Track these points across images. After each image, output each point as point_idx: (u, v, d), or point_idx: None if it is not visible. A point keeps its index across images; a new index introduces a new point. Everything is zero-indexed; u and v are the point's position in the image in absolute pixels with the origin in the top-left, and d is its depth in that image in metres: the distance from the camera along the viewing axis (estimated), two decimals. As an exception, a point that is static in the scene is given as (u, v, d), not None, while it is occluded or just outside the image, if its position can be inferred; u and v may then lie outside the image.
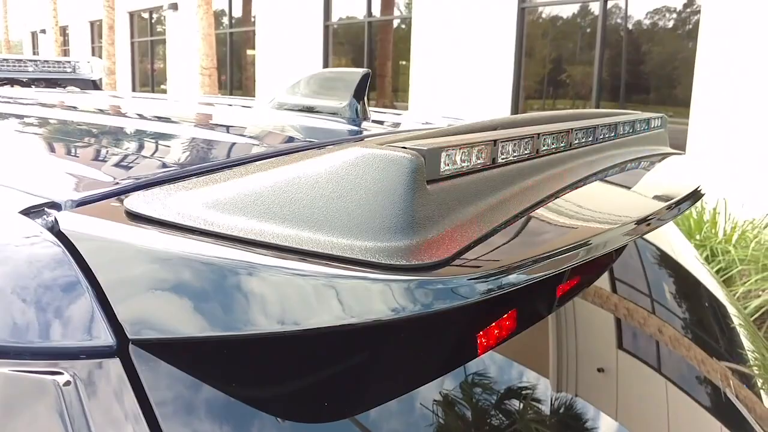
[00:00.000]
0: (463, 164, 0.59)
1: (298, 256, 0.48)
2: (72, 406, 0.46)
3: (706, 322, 1.15)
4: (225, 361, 0.51)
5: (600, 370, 0.81)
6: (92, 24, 21.78)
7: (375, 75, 11.96)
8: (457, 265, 0.50)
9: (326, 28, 12.38)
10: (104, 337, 0.48)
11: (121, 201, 0.58)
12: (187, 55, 15.06)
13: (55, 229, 0.53)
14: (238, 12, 15.35)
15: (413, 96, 10.43)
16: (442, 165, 0.56)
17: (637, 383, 0.84)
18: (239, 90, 15.36)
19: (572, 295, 0.81)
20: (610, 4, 8.18)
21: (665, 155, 1.17)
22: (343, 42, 12.67)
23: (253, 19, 14.23)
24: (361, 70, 1.26)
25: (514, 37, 9.00)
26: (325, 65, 12.38)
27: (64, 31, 23.94)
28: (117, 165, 0.80)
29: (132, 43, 19.77)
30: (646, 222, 0.78)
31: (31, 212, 0.56)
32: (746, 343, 1.17)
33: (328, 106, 1.28)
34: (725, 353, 1.10)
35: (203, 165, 0.72)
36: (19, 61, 2.00)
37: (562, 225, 0.69)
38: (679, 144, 7.09)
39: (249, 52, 14.52)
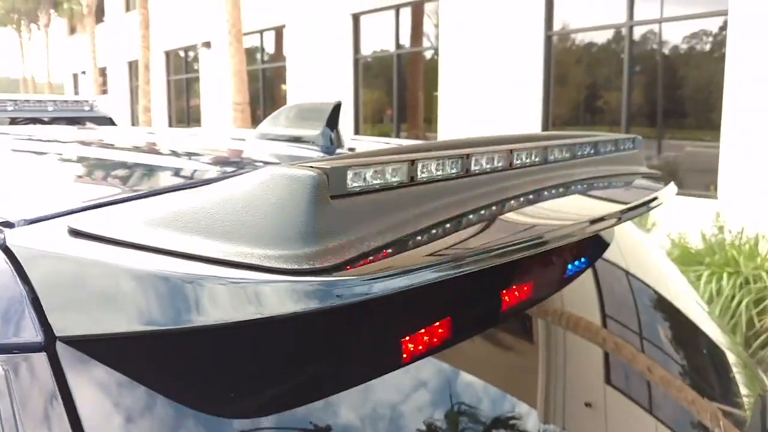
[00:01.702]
0: (375, 182, 0.63)
1: (210, 264, 0.54)
2: (2, 395, 0.52)
3: (694, 356, 1.14)
4: (143, 356, 0.57)
5: (587, 404, 0.84)
6: (130, 64, 22.43)
7: (405, 106, 12.06)
8: (346, 270, 0.54)
9: (356, 61, 12.56)
10: (34, 334, 0.54)
11: (67, 220, 0.65)
12: (221, 92, 15.38)
13: (2, 245, 0.61)
14: (270, 48, 15.67)
15: (442, 126, 10.48)
16: (349, 182, 0.60)
17: (623, 420, 0.87)
18: (272, 124, 15.56)
19: (521, 310, 0.83)
20: (637, 30, 8.16)
21: (629, 174, 1.17)
22: (373, 74, 12.82)
23: (285, 55, 14.51)
24: (333, 102, 1.35)
25: (541, 64, 9.02)
26: (356, 98, 12.54)
27: (103, 71, 24.69)
28: (72, 189, 0.91)
29: (168, 81, 20.29)
30: (561, 236, 0.77)
31: None
32: (734, 369, 1.17)
33: (303, 135, 1.37)
34: (705, 385, 1.10)
35: (144, 190, 0.81)
36: (40, 101, 2.07)
37: (468, 238, 0.72)
38: (712, 168, 6.99)
39: (282, 87, 14.78)
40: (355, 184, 0.60)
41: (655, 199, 1.01)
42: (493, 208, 0.80)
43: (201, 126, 17.81)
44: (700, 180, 7.32)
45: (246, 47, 12.41)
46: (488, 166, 0.80)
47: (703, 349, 1.18)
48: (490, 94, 9.65)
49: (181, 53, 19.76)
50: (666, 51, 8.07)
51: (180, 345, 0.57)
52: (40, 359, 0.53)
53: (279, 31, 14.79)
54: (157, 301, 0.54)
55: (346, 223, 0.58)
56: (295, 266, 0.52)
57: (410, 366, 0.67)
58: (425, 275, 0.58)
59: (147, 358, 0.57)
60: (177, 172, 1.06)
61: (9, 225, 0.65)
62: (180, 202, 0.60)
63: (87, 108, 2.06)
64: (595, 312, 0.98)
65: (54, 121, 2.05)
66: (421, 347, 0.67)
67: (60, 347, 0.54)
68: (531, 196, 0.88)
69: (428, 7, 11.25)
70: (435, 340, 0.69)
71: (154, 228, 0.58)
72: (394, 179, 0.65)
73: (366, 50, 12.66)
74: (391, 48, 12.01)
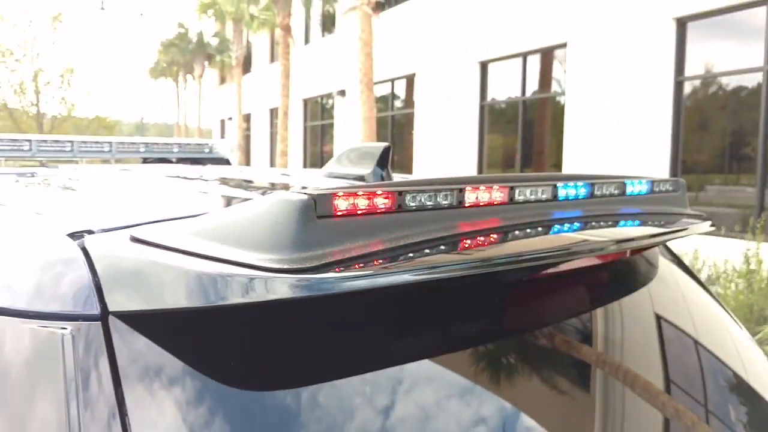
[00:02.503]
0: (363, 207, 0.76)
1: (228, 264, 0.70)
2: (67, 351, 0.70)
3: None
4: (176, 331, 0.73)
5: None
6: (271, 111, 23.91)
7: (531, 151, 12.05)
8: (322, 271, 0.67)
9: (482, 107, 12.74)
10: (94, 308, 0.73)
11: (130, 231, 0.85)
12: (353, 137, 16.03)
13: (81, 245, 0.81)
14: (401, 95, 16.20)
15: (567, 170, 10.36)
16: (337, 205, 0.73)
17: None
18: (398, 168, 16.01)
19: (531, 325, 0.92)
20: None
21: (665, 213, 1.22)
22: (499, 120, 12.94)
23: (414, 102, 14.96)
24: (383, 144, 1.54)
25: (671, 110, 8.77)
26: (480, 143, 12.68)
27: (247, 118, 26.45)
28: (139, 209, 1.12)
29: (305, 127, 21.39)
30: (514, 259, 0.83)
31: (75, 235, 0.85)
32: None
33: (357, 173, 1.56)
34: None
35: (192, 211, 0.96)
36: (167, 144, 2.40)
37: (437, 254, 0.80)
38: None
39: (411, 132, 15.20)
40: (343, 208, 0.74)
41: (684, 230, 1.10)
42: (489, 234, 0.88)
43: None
44: None
45: (378, 95, 12.95)
46: (485, 200, 0.90)
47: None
48: (616, 139, 9.48)
49: (318, 100, 20.82)
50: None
51: (200, 321, 0.74)
52: (96, 327, 0.72)
53: (410, 79, 15.29)
54: (184, 287, 0.70)
55: (330, 238, 0.72)
56: (286, 266, 0.67)
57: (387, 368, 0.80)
58: (379, 280, 0.70)
59: (176, 330, 0.74)
60: (227, 198, 1.29)
61: (90, 232, 0.86)
62: (211, 219, 0.78)
63: (207, 150, 2.37)
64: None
65: (180, 161, 2.37)
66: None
67: (112, 319, 0.72)
68: (529, 229, 0.94)
69: (556, 54, 11.27)
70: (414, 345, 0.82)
71: (190, 237, 0.75)
72: (383, 206, 0.78)
73: (492, 96, 12.83)
74: (518, 94, 12.10)
